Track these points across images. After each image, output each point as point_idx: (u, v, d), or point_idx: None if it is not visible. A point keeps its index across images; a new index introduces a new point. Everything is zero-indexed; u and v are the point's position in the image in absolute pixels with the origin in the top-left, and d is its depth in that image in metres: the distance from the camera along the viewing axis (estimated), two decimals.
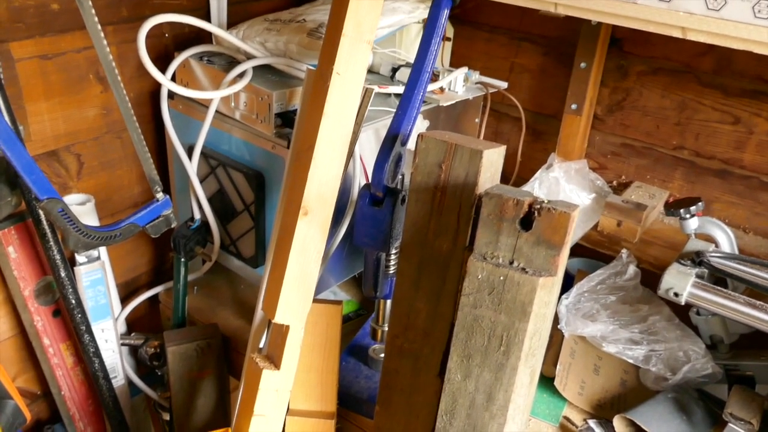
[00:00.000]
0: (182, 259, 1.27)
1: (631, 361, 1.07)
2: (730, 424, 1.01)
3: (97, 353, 1.19)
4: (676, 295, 1.00)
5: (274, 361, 0.97)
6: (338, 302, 1.10)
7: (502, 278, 0.73)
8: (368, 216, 0.95)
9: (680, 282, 0.99)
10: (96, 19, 0.84)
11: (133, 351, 1.39)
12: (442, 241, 0.84)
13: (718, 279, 1.06)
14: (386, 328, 1.10)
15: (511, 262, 0.74)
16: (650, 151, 1.36)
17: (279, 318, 0.94)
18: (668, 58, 1.28)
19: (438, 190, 0.82)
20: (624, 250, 1.20)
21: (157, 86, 1.23)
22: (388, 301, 1.07)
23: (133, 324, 1.42)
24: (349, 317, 1.36)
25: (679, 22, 0.89)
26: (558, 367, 1.16)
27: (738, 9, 0.82)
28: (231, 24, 1.25)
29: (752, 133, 1.24)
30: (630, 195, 1.33)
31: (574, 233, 1.14)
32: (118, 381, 1.30)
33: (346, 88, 0.90)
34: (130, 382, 1.35)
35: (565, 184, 1.32)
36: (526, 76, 1.45)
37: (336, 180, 0.93)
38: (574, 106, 1.37)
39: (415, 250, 0.87)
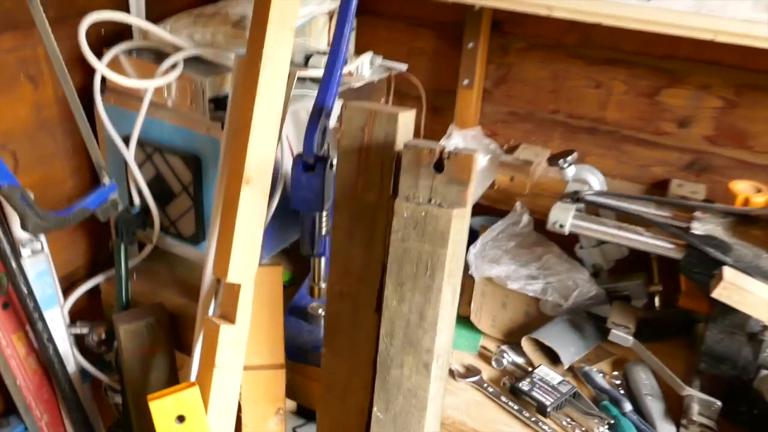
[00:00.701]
0: (123, 244, 1.34)
1: (531, 294, 1.22)
2: (612, 330, 1.22)
3: (51, 339, 1.24)
4: (561, 226, 1.17)
5: (229, 317, 1.08)
6: (278, 264, 1.22)
7: (423, 214, 0.89)
8: (303, 181, 1.08)
9: (563, 215, 1.17)
10: (44, 15, 0.91)
11: (79, 340, 1.43)
12: (370, 194, 0.99)
13: (593, 214, 1.27)
14: (323, 285, 1.22)
15: (430, 200, 0.89)
16: (532, 116, 1.54)
17: (231, 277, 1.04)
18: (541, 36, 1.46)
19: (363, 151, 0.97)
20: (518, 203, 1.36)
21: (87, 82, 1.27)
22: (323, 259, 1.20)
23: (75, 317, 1.46)
24: (284, 286, 1.47)
25: (546, 2, 1.08)
26: (472, 306, 1.32)
27: None
28: (150, 20, 1.33)
29: (611, 94, 1.43)
30: (519, 155, 1.53)
31: (475, 192, 1.31)
32: (69, 368, 1.35)
33: (276, 70, 1.02)
34: (81, 371, 1.40)
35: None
36: (424, 58, 1.59)
37: (272, 152, 1.06)
38: (466, 82, 1.52)
39: (347, 205, 1.01)
